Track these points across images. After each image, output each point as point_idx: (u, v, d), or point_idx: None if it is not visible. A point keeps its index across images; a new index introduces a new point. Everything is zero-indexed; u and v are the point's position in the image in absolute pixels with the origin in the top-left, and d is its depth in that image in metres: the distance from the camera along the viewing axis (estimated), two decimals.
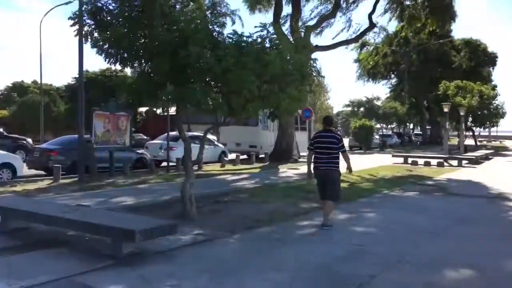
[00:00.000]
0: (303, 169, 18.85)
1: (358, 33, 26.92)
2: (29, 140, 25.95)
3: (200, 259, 5.81)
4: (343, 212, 8.66)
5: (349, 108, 69.34)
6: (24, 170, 15.09)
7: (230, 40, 8.15)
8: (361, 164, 19.18)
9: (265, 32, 8.26)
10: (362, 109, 62.60)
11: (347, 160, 7.96)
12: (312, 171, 7.99)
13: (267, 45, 8.32)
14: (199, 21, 7.90)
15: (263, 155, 23.69)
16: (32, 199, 9.41)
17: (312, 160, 7.93)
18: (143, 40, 8.15)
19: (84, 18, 8.27)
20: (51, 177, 14.18)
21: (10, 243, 6.43)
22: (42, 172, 16.12)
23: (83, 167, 14.28)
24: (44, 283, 4.79)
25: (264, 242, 6.77)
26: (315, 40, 26.87)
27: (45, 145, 17.65)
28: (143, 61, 8.48)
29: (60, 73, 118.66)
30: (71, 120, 40.81)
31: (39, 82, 41.94)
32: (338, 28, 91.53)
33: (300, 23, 25.48)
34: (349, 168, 8.11)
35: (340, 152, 7.78)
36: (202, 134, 11.08)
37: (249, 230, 7.54)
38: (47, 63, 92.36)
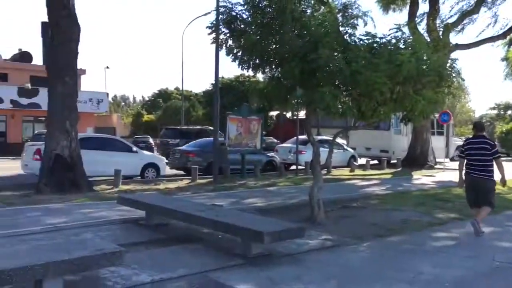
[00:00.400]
0: (440, 176, 17.69)
1: (506, 28, 24.41)
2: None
3: (328, 265, 5.73)
4: (486, 225, 7.89)
5: (495, 111, 63.33)
6: (166, 170, 16.40)
7: (362, 42, 7.96)
8: (510, 173, 17.33)
9: (399, 33, 7.94)
10: (510, 112, 56.74)
11: (500, 169, 7.41)
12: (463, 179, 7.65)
13: (401, 45, 7.97)
14: (329, 24, 7.84)
15: (395, 161, 22.71)
16: (172, 197, 10.17)
17: (464, 168, 7.56)
18: (274, 46, 8.33)
19: (220, 27, 8.75)
20: (189, 177, 15.20)
21: (153, 237, 7.02)
22: (182, 172, 17.37)
23: (218, 168, 15.06)
24: (181, 277, 5.12)
25: (395, 252, 6.46)
26: (455, 38, 25.11)
27: (184, 147, 19.00)
28: (273, 67, 8.68)
29: (199, 79, 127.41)
30: (208, 123, 43.52)
31: (180, 88, 45.37)
32: (482, 25, 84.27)
33: (438, 21, 23.96)
34: (502, 181, 7.47)
35: (493, 159, 7.29)
36: (331, 138, 10.98)
37: (379, 238, 7.25)
38: (188, 70, 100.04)
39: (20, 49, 37.51)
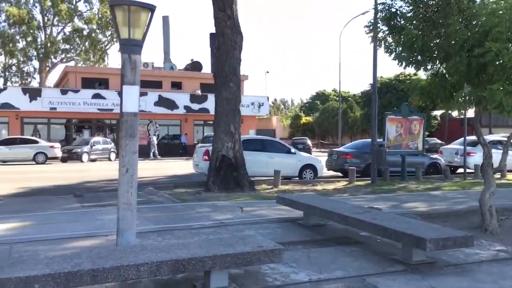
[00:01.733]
0: None
1: None
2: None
3: (503, 279, 5.16)
4: None
5: None
6: (324, 171, 16.52)
7: None
8: None
9: None
10: None
11: None
12: None
13: None
14: (503, 12, 7.06)
15: None
16: (330, 198, 10.20)
17: None
18: (437, 40, 7.81)
19: (378, 25, 8.51)
20: (347, 178, 15.08)
21: (311, 236, 7.13)
22: (339, 174, 17.31)
23: (376, 170, 14.66)
24: (339, 278, 5.10)
25: None
26: None
27: (341, 148, 18.91)
28: (437, 62, 8.14)
29: (357, 80, 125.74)
30: (366, 124, 42.64)
31: (338, 90, 45.30)
32: None
33: None
34: None
35: None
36: (505, 139, 9.89)
37: None
38: (345, 71, 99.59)
39: (192, 59, 41.45)
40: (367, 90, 43.38)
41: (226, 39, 12.63)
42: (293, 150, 16.14)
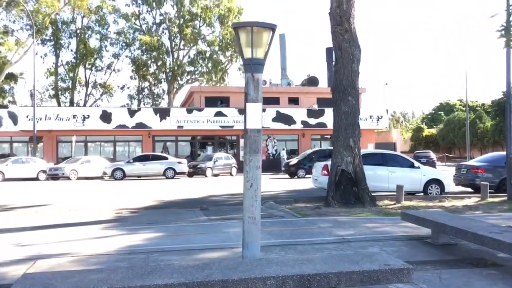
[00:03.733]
0: None
1: None
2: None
3: None
4: None
5: None
6: (451, 186, 15.47)
7: None
8: None
9: None
10: None
11: None
12: None
13: None
14: None
15: None
16: (460, 216, 9.49)
17: None
18: None
19: (511, 28, 7.85)
20: (478, 194, 13.96)
21: (441, 256, 6.69)
22: (469, 189, 16.08)
23: None
24: None
25: None
26: None
27: (472, 162, 17.59)
28: None
29: (486, 88, 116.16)
30: (498, 136, 39.20)
31: (464, 99, 42.39)
32: None
33: None
34: None
35: None
36: None
37: None
38: (472, 79, 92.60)
39: (308, 75, 41.82)
40: (499, 99, 39.85)
41: (344, 52, 12.53)
42: (416, 164, 15.39)
